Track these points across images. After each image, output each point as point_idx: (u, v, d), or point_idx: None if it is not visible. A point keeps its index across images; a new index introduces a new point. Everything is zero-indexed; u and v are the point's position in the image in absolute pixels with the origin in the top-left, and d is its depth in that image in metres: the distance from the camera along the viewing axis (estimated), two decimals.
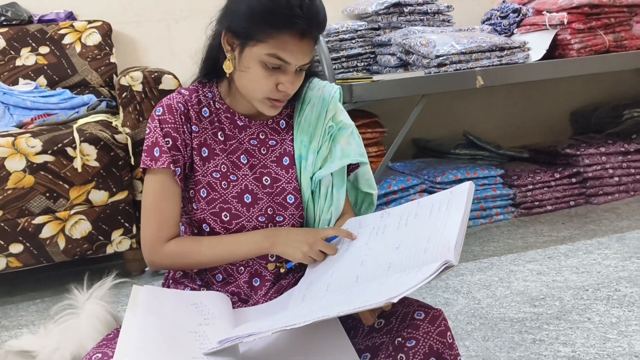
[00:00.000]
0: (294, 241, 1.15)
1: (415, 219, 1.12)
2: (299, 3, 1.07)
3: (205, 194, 1.19)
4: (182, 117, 1.19)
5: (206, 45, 1.21)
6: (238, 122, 1.24)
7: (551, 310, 1.75)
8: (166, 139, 1.18)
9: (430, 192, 2.67)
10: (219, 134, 1.23)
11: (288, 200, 1.23)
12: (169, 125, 1.19)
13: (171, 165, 1.17)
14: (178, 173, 1.19)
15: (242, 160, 1.23)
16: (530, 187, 2.75)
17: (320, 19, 1.11)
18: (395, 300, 0.87)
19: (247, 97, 1.18)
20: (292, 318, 0.99)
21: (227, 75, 1.19)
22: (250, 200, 1.20)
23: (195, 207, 1.20)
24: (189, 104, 1.21)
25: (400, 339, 1.02)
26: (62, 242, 2.10)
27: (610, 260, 2.10)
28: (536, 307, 1.78)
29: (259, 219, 1.21)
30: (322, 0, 1.14)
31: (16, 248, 2.06)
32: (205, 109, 1.23)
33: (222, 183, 1.20)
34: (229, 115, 1.24)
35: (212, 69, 1.21)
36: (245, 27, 1.11)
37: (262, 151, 1.24)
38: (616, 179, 2.84)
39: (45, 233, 2.08)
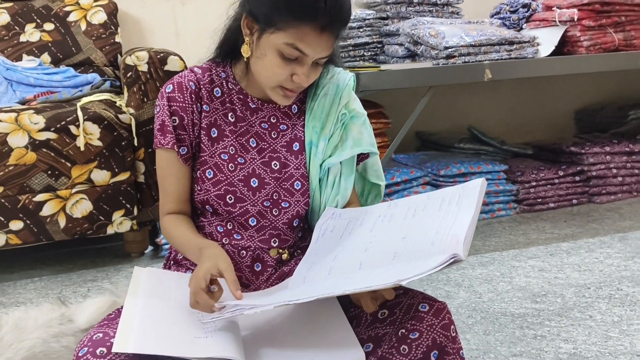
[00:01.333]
0: (193, 276, 1.03)
1: (424, 211, 1.11)
2: None
3: (211, 175, 1.18)
4: (192, 96, 1.18)
5: (226, 25, 1.20)
6: (250, 104, 1.22)
7: (553, 307, 1.74)
8: (173, 118, 1.17)
9: (434, 185, 2.66)
10: (230, 114, 1.21)
11: (295, 187, 1.21)
12: (178, 104, 1.17)
13: (175, 146, 1.17)
14: (184, 152, 1.18)
15: (251, 143, 1.21)
16: (534, 183, 2.74)
17: (343, 14, 1.09)
18: (404, 283, 0.86)
19: (261, 83, 1.17)
20: (297, 294, 0.98)
21: (245, 60, 1.17)
22: (257, 184, 1.19)
23: (199, 188, 1.19)
24: (201, 82, 1.19)
25: (403, 331, 1.01)
26: (62, 221, 2.09)
27: (613, 259, 2.09)
28: (537, 303, 1.77)
29: (264, 203, 1.20)
30: None
31: (16, 225, 2.05)
32: (218, 88, 1.21)
33: (230, 165, 1.19)
34: (241, 96, 1.22)
35: (229, 50, 1.20)
36: (267, 13, 1.09)
37: (273, 135, 1.23)
38: (620, 178, 2.83)
39: (46, 211, 2.07)
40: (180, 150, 1.18)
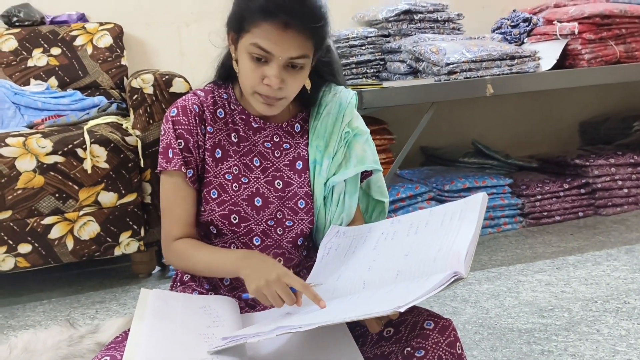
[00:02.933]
0: (260, 271, 1.05)
1: (426, 227, 1.11)
2: None
3: (215, 195, 1.20)
4: (196, 118, 1.19)
5: (223, 51, 1.23)
6: (253, 123, 1.24)
7: (560, 322, 1.74)
8: (179, 141, 1.19)
9: (439, 200, 2.66)
10: (233, 135, 1.23)
11: (299, 205, 1.22)
12: (182, 127, 1.19)
13: (182, 167, 1.18)
14: (190, 175, 1.20)
15: (254, 162, 1.23)
16: (539, 197, 2.74)
17: (305, 10, 1.08)
18: (402, 310, 0.87)
19: (244, 95, 1.18)
20: (298, 321, 0.98)
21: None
22: (260, 203, 1.20)
23: (204, 209, 1.20)
24: (205, 105, 1.21)
25: (409, 349, 1.01)
26: (70, 243, 2.11)
27: (619, 272, 2.08)
28: (544, 318, 1.77)
29: (268, 222, 1.21)
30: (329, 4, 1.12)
31: (25, 248, 2.07)
32: (220, 110, 1.23)
33: (234, 185, 1.20)
34: (243, 116, 1.24)
35: (227, 71, 1.22)
36: (237, 18, 1.12)
37: (276, 154, 1.24)
38: (625, 190, 2.82)
39: (54, 234, 2.09)
40: (187, 172, 1.19)
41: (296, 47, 1.09)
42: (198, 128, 1.20)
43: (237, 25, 1.12)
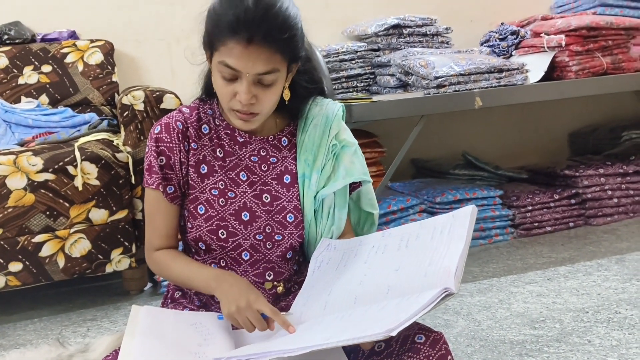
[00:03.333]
0: (232, 296, 1.09)
1: (416, 241, 1.12)
2: (242, 8, 1.06)
3: (203, 211, 1.20)
4: (179, 135, 1.21)
5: (206, 67, 1.24)
6: (238, 138, 1.25)
7: (551, 333, 1.74)
8: (160, 158, 1.21)
9: (430, 213, 2.67)
10: (218, 150, 1.24)
11: (288, 219, 1.23)
12: (165, 144, 1.21)
13: (160, 186, 1.20)
14: (170, 191, 1.21)
15: (241, 177, 1.23)
16: (530, 208, 2.76)
17: (268, 25, 1.07)
18: (394, 334, 0.87)
19: (224, 112, 1.20)
20: (290, 343, 0.98)
21: None
22: (248, 217, 1.21)
23: (191, 225, 1.21)
24: (189, 121, 1.22)
25: None
26: (61, 261, 2.10)
27: (610, 282, 2.10)
28: (536, 329, 1.77)
29: (257, 237, 1.21)
30: (289, 9, 1.11)
31: (15, 267, 2.06)
32: (205, 125, 1.24)
33: (220, 200, 1.20)
34: (228, 131, 1.25)
35: (211, 88, 1.23)
36: (207, 39, 1.14)
37: (263, 168, 1.25)
38: (615, 200, 2.84)
39: (45, 252, 2.08)
40: (167, 189, 1.21)
41: (263, 62, 1.09)
42: (181, 145, 1.21)
43: (209, 44, 1.14)
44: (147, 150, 1.23)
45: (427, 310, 0.91)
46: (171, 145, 1.20)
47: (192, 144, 1.22)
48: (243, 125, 1.17)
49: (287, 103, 1.22)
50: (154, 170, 1.21)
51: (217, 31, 1.10)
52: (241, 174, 1.23)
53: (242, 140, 1.25)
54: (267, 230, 1.21)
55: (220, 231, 1.20)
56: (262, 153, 1.25)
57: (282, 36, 1.09)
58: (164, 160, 1.20)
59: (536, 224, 2.75)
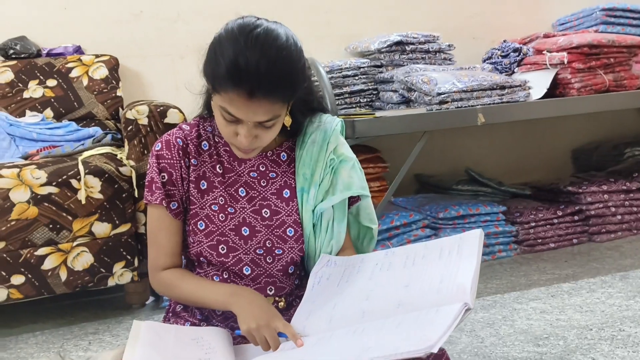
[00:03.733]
0: (250, 312, 1.11)
1: (423, 260, 1.11)
2: (243, 63, 1.05)
3: (203, 227, 1.21)
4: (179, 152, 1.22)
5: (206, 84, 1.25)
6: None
7: (555, 350, 1.73)
8: (162, 174, 1.21)
9: (433, 228, 2.67)
10: (218, 166, 1.24)
11: (288, 233, 1.23)
12: (166, 161, 1.22)
13: (163, 202, 1.20)
14: (174, 207, 1.22)
15: (240, 193, 1.24)
16: (533, 224, 2.75)
17: (270, 80, 1.06)
18: (435, 350, 0.86)
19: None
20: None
21: None
22: (248, 232, 1.21)
23: (192, 241, 1.21)
24: (189, 138, 1.24)
25: None
26: (63, 274, 2.10)
27: (614, 299, 2.08)
28: (540, 347, 1.76)
29: (257, 251, 1.21)
30: (293, 48, 1.10)
31: (18, 279, 2.06)
32: (205, 142, 1.25)
33: (220, 216, 1.21)
34: (227, 148, 1.26)
35: (210, 107, 1.23)
36: (207, 76, 1.14)
37: (262, 183, 1.25)
38: (619, 217, 2.84)
39: (47, 265, 2.08)
40: (170, 205, 1.21)
41: (264, 112, 1.10)
42: (182, 161, 1.22)
43: (210, 82, 1.14)
44: (148, 167, 1.24)
45: (454, 326, 0.91)
46: (172, 161, 1.21)
47: (192, 160, 1.23)
48: (244, 156, 1.20)
49: (288, 128, 1.23)
50: (157, 186, 1.21)
51: (218, 78, 1.09)
52: (240, 189, 1.24)
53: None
54: (267, 244, 1.22)
55: (220, 246, 1.20)
56: (261, 168, 1.26)
57: (285, 88, 1.10)
58: (166, 177, 1.21)
59: (539, 240, 2.75)
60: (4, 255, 2.04)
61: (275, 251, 1.22)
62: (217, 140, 1.26)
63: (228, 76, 1.06)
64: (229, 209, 1.22)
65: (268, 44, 1.07)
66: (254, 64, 1.05)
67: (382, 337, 0.96)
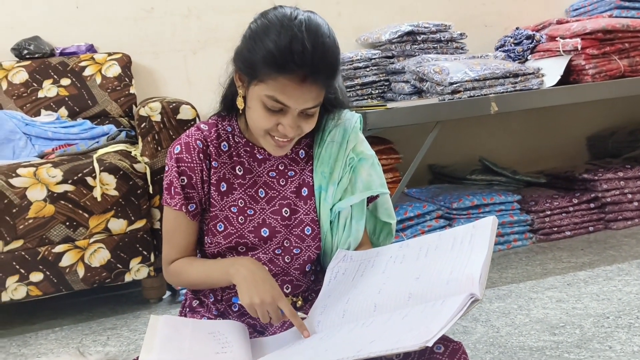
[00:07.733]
0: (253, 285, 1.10)
1: (435, 251, 1.11)
2: (299, 48, 1.04)
3: (222, 228, 1.21)
4: (200, 155, 1.20)
5: (226, 81, 1.23)
6: (257, 155, 1.24)
7: (571, 339, 1.72)
8: (182, 178, 1.20)
9: (447, 219, 2.66)
10: (238, 167, 1.23)
11: (305, 232, 1.23)
12: (186, 164, 1.20)
13: (183, 207, 1.20)
14: (192, 209, 1.21)
15: (259, 194, 1.23)
16: (548, 212, 2.73)
17: (324, 65, 1.07)
18: (430, 344, 0.86)
19: (254, 133, 1.18)
20: (318, 355, 0.98)
21: (241, 112, 1.20)
22: (267, 233, 1.21)
23: (210, 241, 1.21)
24: (208, 139, 1.21)
25: None
26: (81, 271, 2.13)
27: (631, 287, 2.07)
28: (556, 336, 1.75)
29: (276, 251, 1.21)
30: (333, 35, 1.11)
31: (36, 277, 2.09)
32: (225, 143, 1.24)
33: (239, 218, 1.21)
34: (247, 149, 1.24)
35: (231, 104, 1.22)
36: (249, 66, 1.11)
37: (281, 182, 1.25)
38: (635, 203, 2.81)
39: (65, 262, 2.11)
40: (189, 207, 1.21)
41: (313, 98, 1.10)
42: (203, 164, 1.20)
43: (249, 72, 1.11)
44: (167, 169, 1.21)
45: (457, 318, 0.91)
46: (192, 165, 1.19)
47: (212, 162, 1.21)
48: (277, 151, 1.17)
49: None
50: (176, 191, 1.20)
51: (264, 65, 1.07)
52: (259, 191, 1.23)
53: (261, 157, 1.24)
54: (285, 244, 1.22)
55: (239, 247, 1.21)
56: (280, 168, 1.25)
57: (333, 74, 1.12)
58: (186, 180, 1.20)
59: (555, 229, 2.73)
60: (22, 253, 2.07)
61: (294, 250, 1.22)
62: (237, 140, 1.24)
63: (282, 62, 1.05)
64: (248, 211, 1.21)
65: (317, 30, 1.07)
66: (310, 48, 1.05)
67: (386, 330, 0.96)
